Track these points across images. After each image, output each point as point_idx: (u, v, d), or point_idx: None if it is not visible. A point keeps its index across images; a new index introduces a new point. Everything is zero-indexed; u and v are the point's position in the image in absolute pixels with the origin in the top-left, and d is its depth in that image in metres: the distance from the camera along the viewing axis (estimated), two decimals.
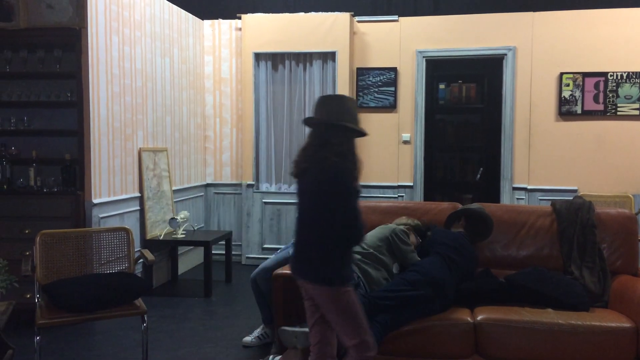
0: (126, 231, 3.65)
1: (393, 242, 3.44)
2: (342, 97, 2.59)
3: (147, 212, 5.07)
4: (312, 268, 2.42)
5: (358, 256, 3.42)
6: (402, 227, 3.56)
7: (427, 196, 6.50)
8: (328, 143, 2.37)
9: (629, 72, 5.75)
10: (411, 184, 6.28)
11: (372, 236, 3.50)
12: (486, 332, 3.05)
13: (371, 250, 3.40)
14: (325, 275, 2.38)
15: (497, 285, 3.36)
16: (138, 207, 5.02)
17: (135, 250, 3.80)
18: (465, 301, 3.30)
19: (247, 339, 3.86)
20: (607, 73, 5.79)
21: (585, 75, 5.83)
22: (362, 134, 2.46)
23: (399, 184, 6.29)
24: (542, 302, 3.21)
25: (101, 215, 4.43)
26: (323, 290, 2.40)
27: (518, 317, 3.06)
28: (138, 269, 4.89)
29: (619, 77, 5.77)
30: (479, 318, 3.10)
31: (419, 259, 3.43)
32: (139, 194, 5.02)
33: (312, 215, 2.42)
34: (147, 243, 5.00)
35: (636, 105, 5.75)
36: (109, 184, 4.57)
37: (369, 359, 2.42)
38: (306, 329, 2.87)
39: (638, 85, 5.74)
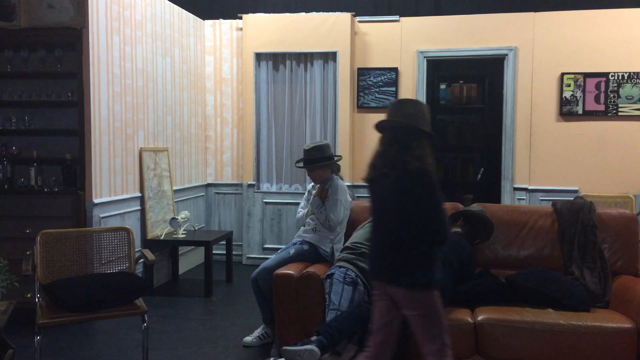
0: (127, 231, 3.65)
1: None
2: (416, 101, 2.61)
3: (147, 212, 5.07)
4: (399, 272, 2.38)
5: (351, 255, 3.41)
6: None
7: None
8: (408, 147, 2.38)
9: (630, 73, 5.74)
10: None
11: (364, 232, 3.50)
12: (487, 332, 3.05)
13: (363, 249, 3.39)
14: (415, 279, 2.35)
15: (497, 285, 3.37)
16: (139, 207, 5.02)
17: (136, 250, 3.80)
18: (466, 301, 3.30)
19: (248, 338, 3.86)
20: (609, 73, 5.78)
21: (587, 75, 5.82)
22: (434, 139, 2.46)
23: None
24: (543, 302, 3.21)
25: (102, 215, 4.43)
26: (411, 293, 2.37)
27: (519, 318, 3.06)
28: (139, 269, 4.88)
29: (620, 78, 5.76)
30: (479, 318, 3.10)
31: None
32: (139, 194, 5.02)
33: (395, 219, 2.39)
34: (147, 243, 5.00)
35: (637, 106, 5.74)
36: (109, 183, 4.57)
37: None
38: (309, 347, 2.88)
39: (639, 85, 5.73)
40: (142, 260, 3.78)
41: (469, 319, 3.11)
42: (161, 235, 5.15)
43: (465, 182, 7.17)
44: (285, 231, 6.28)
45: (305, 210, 4.02)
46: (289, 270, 3.45)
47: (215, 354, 3.70)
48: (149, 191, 5.13)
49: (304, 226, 3.95)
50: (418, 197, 2.34)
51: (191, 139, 6.20)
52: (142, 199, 5.04)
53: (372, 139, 6.34)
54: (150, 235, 5.07)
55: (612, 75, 5.77)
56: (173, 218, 5.22)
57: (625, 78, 5.75)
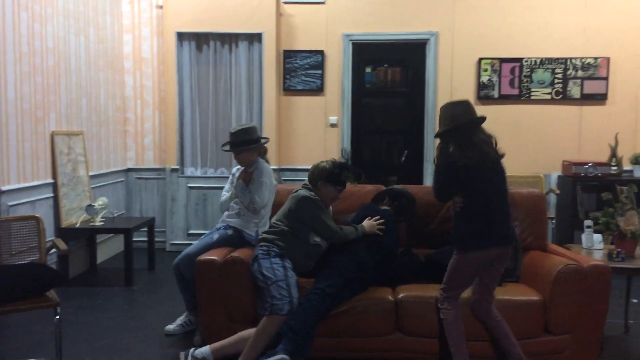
0: (36, 219, 3.45)
1: (298, 214, 3.33)
2: (456, 103, 3.03)
3: (61, 199, 4.81)
4: (512, 232, 3.07)
5: (271, 235, 3.34)
6: (308, 194, 3.38)
7: None
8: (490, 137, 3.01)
9: (542, 58, 6.03)
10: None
11: (281, 210, 3.47)
12: (406, 309, 3.14)
13: (282, 227, 3.35)
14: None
15: (417, 266, 3.45)
16: (52, 194, 4.76)
17: (48, 239, 3.60)
18: (388, 281, 3.37)
19: (170, 327, 3.77)
20: (522, 59, 6.05)
21: (502, 60, 6.07)
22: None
23: None
24: None
25: (10, 203, 4.16)
26: (509, 247, 3.04)
27: (436, 294, 3.16)
28: (52, 259, 4.65)
29: (533, 63, 6.05)
30: (399, 296, 3.18)
31: (333, 225, 3.34)
32: (52, 180, 4.76)
33: (506, 193, 3.02)
34: (62, 232, 4.76)
35: (548, 90, 6.06)
36: (18, 169, 4.29)
37: None
38: (280, 357, 2.89)
39: (550, 70, 6.03)
40: (54, 250, 3.58)
41: (390, 297, 3.19)
42: (77, 223, 4.91)
43: (390, 164, 7.32)
44: (210, 216, 6.17)
45: (229, 193, 3.95)
46: (213, 255, 3.37)
47: (136, 344, 3.59)
48: (63, 177, 4.87)
49: (228, 210, 3.89)
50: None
51: (109, 122, 5.93)
52: (55, 186, 4.78)
53: (299, 122, 6.40)
54: (65, 224, 4.82)
55: (525, 61, 6.04)
56: (89, 205, 4.99)
57: (538, 63, 6.04)
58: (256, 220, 3.74)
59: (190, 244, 3.87)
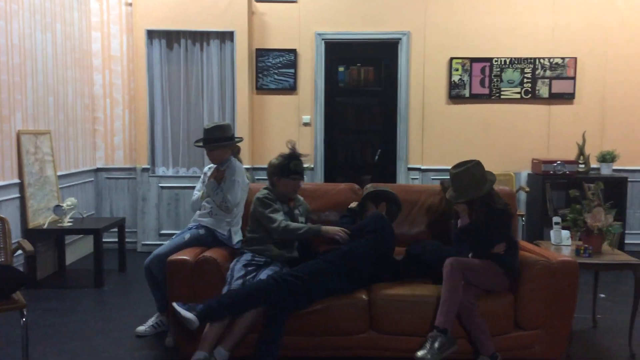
0: (1, 220, 3.35)
1: (255, 214, 3.50)
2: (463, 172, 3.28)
3: (28, 200, 4.69)
4: None
5: (250, 246, 3.47)
6: (259, 194, 3.52)
7: (328, 178, 6.59)
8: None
9: (511, 58, 6.13)
10: (312, 165, 6.32)
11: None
12: (380, 307, 3.14)
13: (249, 234, 3.54)
14: None
15: (393, 266, 3.46)
16: (18, 195, 4.63)
17: (14, 241, 3.51)
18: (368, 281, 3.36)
19: (141, 328, 3.71)
20: (492, 58, 6.14)
21: (473, 60, 6.15)
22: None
23: None
24: (436, 276, 3.33)
25: None
26: None
27: (409, 292, 3.18)
28: (19, 261, 4.53)
29: (502, 63, 6.14)
30: (373, 295, 3.18)
31: (277, 219, 3.39)
32: (18, 180, 4.64)
33: None
34: (30, 233, 4.64)
35: (518, 89, 6.16)
36: None
37: None
38: (190, 316, 2.94)
39: (520, 70, 6.14)
40: (21, 251, 3.48)
41: (364, 296, 3.19)
42: (44, 224, 4.80)
43: (364, 163, 7.35)
44: (182, 216, 6.09)
45: (201, 192, 3.91)
46: (184, 255, 3.33)
47: (106, 346, 3.53)
48: (30, 177, 4.75)
49: (200, 210, 3.85)
50: None
51: (77, 121, 5.81)
52: (21, 186, 4.66)
53: (272, 121, 6.37)
54: (32, 225, 4.71)
55: (495, 60, 6.13)
56: (57, 205, 4.88)
57: (508, 63, 6.13)
58: (228, 219, 3.71)
59: (162, 245, 3.81)
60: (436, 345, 2.93)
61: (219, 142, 3.70)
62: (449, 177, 3.36)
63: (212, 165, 3.87)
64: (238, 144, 3.92)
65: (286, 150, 3.55)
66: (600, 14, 6.12)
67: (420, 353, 2.93)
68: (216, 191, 3.67)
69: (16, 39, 4.64)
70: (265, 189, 3.58)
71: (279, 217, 3.41)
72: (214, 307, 3.02)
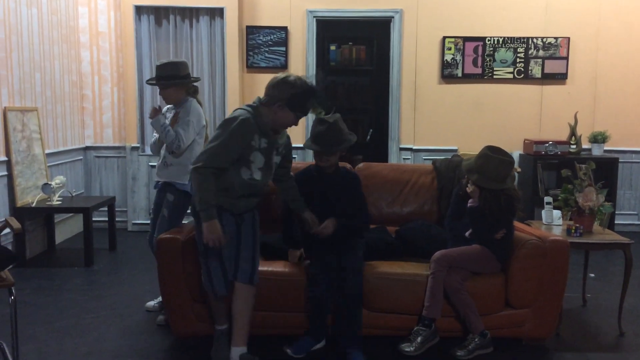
0: None
1: None
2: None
3: (16, 178, 4.63)
4: None
5: None
6: (235, 114, 2.90)
7: None
8: None
9: (504, 37, 6.08)
10: (303, 145, 6.26)
11: None
12: (372, 285, 3.13)
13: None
14: None
15: (384, 244, 3.45)
16: (5, 172, 4.56)
17: (1, 219, 3.46)
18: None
19: (150, 303, 3.67)
20: (485, 38, 6.08)
21: (466, 39, 6.09)
22: None
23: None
24: (428, 255, 3.33)
25: None
26: None
27: (401, 270, 3.18)
28: (8, 240, 4.48)
29: (495, 42, 6.09)
30: (365, 273, 3.18)
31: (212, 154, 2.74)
32: (5, 158, 4.56)
33: None
34: (18, 211, 4.58)
35: (510, 69, 6.12)
36: None
37: None
38: None
39: (512, 49, 6.09)
40: (9, 230, 3.43)
41: None
42: (33, 203, 4.74)
43: (356, 143, 7.29)
44: None
45: (158, 136, 3.57)
46: (174, 234, 3.30)
47: (97, 325, 3.51)
48: (17, 155, 4.68)
49: (158, 161, 3.60)
50: None
51: (65, 98, 5.71)
52: (9, 164, 4.58)
53: None
54: (20, 203, 4.65)
55: (488, 40, 6.08)
56: (46, 184, 4.82)
57: (500, 42, 6.09)
58: (187, 166, 3.37)
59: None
60: (419, 340, 3.05)
61: (172, 79, 3.44)
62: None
63: (170, 106, 3.61)
64: (195, 84, 3.65)
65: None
66: None
67: (408, 349, 3.04)
68: (165, 130, 3.40)
69: (0, 14, 4.52)
70: (247, 108, 2.83)
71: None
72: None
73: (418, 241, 3.45)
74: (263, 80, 6.16)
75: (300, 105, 2.79)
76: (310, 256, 3.21)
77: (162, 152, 3.58)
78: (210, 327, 3.10)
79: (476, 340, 3.07)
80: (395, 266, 3.24)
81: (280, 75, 2.87)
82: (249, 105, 2.88)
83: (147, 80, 3.63)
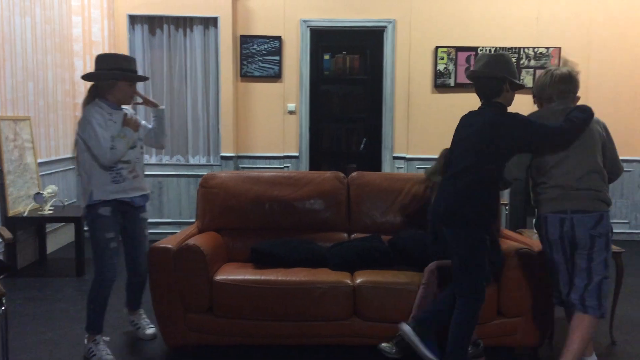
0: None
1: None
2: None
3: (7, 187, 4.61)
4: None
5: None
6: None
7: (313, 166, 6.57)
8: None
9: (497, 47, 6.13)
10: (297, 154, 6.28)
11: None
12: (364, 294, 3.13)
13: None
14: None
15: (378, 253, 3.45)
16: None
17: None
18: (349, 266, 3.36)
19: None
20: (477, 48, 6.13)
21: (458, 49, 6.14)
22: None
23: (285, 154, 6.27)
24: (422, 264, 3.33)
25: None
26: None
27: (392, 280, 3.18)
28: None
29: (488, 52, 6.13)
30: (357, 281, 3.18)
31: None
32: None
33: None
34: (9, 221, 4.56)
35: None
36: None
37: None
38: None
39: None
40: (0, 239, 3.42)
41: (349, 282, 3.19)
42: (24, 212, 4.72)
43: (349, 152, 7.35)
44: (166, 204, 6.04)
45: (124, 141, 3.16)
46: (167, 243, 3.29)
47: None
48: (9, 164, 4.66)
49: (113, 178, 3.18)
50: None
51: (58, 107, 5.70)
52: (0, 173, 4.57)
53: (257, 109, 6.30)
54: (11, 212, 4.63)
55: (480, 50, 6.13)
56: (38, 193, 4.80)
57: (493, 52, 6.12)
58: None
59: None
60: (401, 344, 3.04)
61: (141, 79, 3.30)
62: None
63: (126, 108, 3.34)
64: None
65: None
66: (585, 4, 6.14)
67: (388, 349, 3.04)
68: (156, 136, 3.55)
69: None
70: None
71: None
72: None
73: (411, 250, 3.46)
74: (257, 89, 6.25)
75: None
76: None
77: (124, 166, 3.22)
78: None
79: (469, 349, 3.07)
80: (389, 275, 3.24)
81: None
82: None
83: (136, 76, 3.33)
